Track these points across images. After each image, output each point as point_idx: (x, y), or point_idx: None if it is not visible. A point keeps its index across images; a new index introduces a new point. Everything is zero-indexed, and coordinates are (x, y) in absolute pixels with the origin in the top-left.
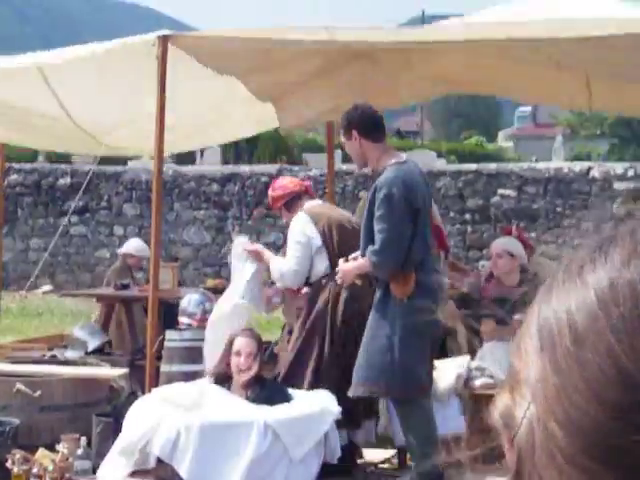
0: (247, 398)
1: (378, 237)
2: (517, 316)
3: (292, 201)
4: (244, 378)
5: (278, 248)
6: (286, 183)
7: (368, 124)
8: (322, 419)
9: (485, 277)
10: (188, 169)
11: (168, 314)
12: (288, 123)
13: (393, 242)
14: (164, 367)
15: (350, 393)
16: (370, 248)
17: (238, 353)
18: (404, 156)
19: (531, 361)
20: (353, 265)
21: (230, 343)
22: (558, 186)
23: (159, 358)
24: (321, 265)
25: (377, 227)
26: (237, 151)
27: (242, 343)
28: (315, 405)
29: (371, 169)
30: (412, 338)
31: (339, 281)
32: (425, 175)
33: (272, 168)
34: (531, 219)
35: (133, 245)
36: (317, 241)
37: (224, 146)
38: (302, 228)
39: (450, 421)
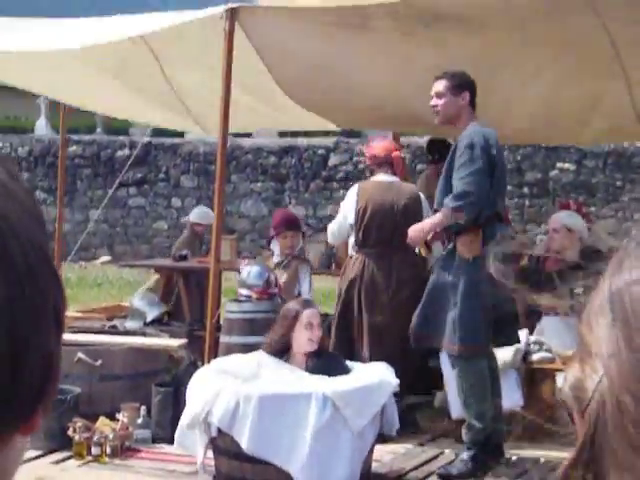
0: (306, 369)
1: (459, 183)
2: (578, 290)
3: (374, 165)
4: (311, 349)
5: None
6: (376, 145)
7: (475, 93)
8: (380, 391)
9: (545, 251)
10: (245, 141)
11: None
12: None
13: (475, 186)
14: (223, 338)
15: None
16: (449, 196)
17: (310, 325)
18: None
19: (603, 334)
20: (422, 223)
21: (294, 317)
22: (618, 160)
23: (218, 329)
24: (351, 241)
25: (458, 175)
26: None
27: (312, 315)
28: (373, 377)
29: (455, 127)
30: (474, 296)
31: (409, 242)
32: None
33: (329, 141)
34: (590, 193)
35: (199, 213)
36: (351, 219)
37: None
38: (348, 200)
39: (508, 395)
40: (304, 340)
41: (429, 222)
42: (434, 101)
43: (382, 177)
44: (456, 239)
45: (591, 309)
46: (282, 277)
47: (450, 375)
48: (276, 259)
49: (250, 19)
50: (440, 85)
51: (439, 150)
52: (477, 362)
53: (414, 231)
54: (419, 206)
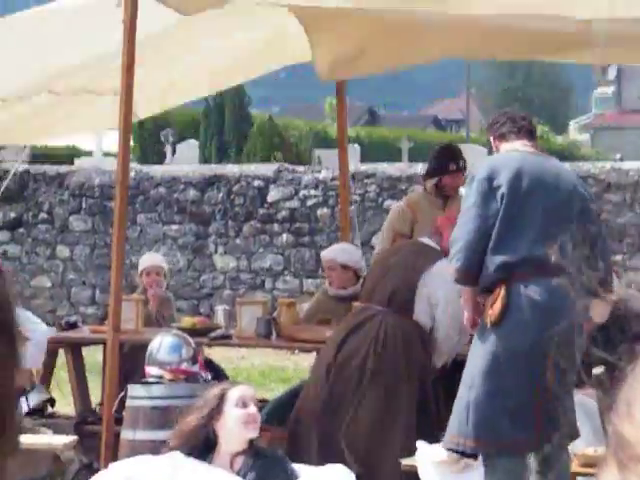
0: (237, 473)
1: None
2: (597, 369)
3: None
4: (253, 434)
5: (276, 274)
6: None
7: (500, 125)
8: None
9: None
10: (156, 170)
11: (131, 362)
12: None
13: (463, 227)
14: (126, 433)
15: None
16: None
17: (244, 404)
18: (540, 152)
19: None
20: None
21: (219, 399)
22: None
23: (119, 421)
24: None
25: None
26: (220, 146)
27: (243, 391)
28: None
29: None
30: (494, 374)
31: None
32: (565, 178)
33: (267, 169)
34: (615, 237)
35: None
36: None
37: (203, 140)
38: None
39: None
40: (238, 424)
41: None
42: None
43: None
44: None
45: (632, 396)
46: None
47: None
48: None
49: None
50: None
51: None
52: (503, 462)
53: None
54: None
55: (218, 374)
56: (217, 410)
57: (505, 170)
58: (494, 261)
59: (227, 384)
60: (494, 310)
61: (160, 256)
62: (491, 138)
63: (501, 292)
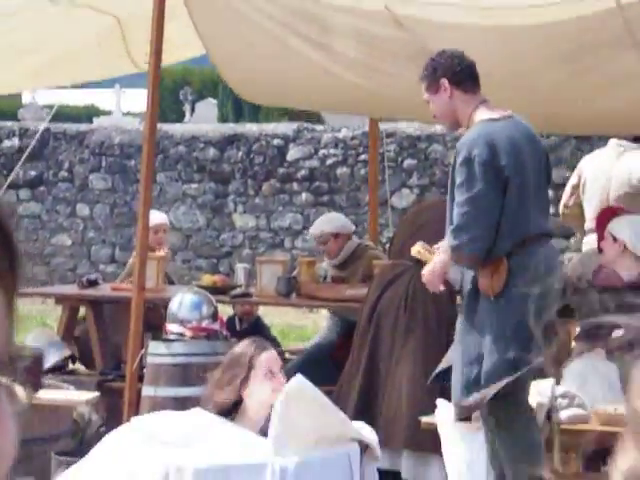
0: (260, 432)
1: (456, 212)
2: (617, 332)
3: None
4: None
5: (295, 233)
6: None
7: (460, 69)
8: (357, 458)
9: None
10: (175, 128)
11: (150, 319)
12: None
13: (473, 217)
14: (147, 390)
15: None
16: (449, 228)
17: (270, 373)
18: (509, 112)
19: None
20: (433, 264)
21: (248, 366)
22: None
23: (141, 378)
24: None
25: (456, 200)
26: (237, 105)
27: (270, 359)
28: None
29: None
30: (504, 344)
31: (428, 287)
32: (537, 140)
33: (287, 127)
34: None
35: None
36: None
37: (221, 99)
38: None
39: None
40: (266, 393)
41: (438, 262)
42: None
43: None
44: (478, 272)
45: None
46: None
47: (453, 446)
48: None
49: None
50: (423, 89)
51: None
52: (518, 428)
53: (427, 274)
54: None
55: (265, 333)
56: (246, 379)
57: (503, 150)
58: (500, 239)
59: (254, 347)
60: (495, 283)
61: (162, 213)
62: (444, 79)
63: (503, 264)
